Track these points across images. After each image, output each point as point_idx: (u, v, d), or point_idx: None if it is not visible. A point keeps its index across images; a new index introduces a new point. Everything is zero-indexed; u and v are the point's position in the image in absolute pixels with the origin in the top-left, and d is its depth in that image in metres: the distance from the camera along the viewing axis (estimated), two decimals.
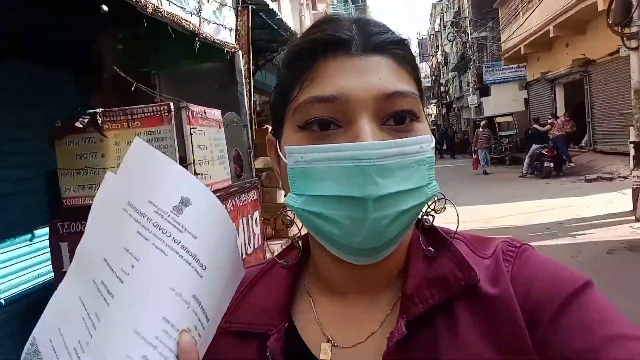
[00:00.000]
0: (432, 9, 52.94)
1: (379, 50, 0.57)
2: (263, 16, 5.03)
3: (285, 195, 0.60)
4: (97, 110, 2.66)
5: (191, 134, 2.75)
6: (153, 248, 0.52)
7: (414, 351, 0.56)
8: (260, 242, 3.90)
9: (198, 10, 3.22)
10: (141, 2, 2.45)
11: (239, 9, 4.05)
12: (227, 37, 3.86)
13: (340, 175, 0.53)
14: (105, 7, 2.71)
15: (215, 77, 4.11)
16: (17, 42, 3.32)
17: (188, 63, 3.92)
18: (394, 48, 0.58)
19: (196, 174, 2.75)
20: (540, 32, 16.74)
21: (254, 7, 4.46)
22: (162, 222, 0.53)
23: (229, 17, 3.90)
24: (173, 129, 2.68)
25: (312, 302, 0.66)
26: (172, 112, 2.68)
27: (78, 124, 2.64)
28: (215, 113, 3.23)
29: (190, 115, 2.78)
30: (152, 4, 2.55)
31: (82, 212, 2.63)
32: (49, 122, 2.93)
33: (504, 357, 0.54)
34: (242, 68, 4.05)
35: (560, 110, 17.60)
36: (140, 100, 4.04)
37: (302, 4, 15.41)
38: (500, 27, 23.20)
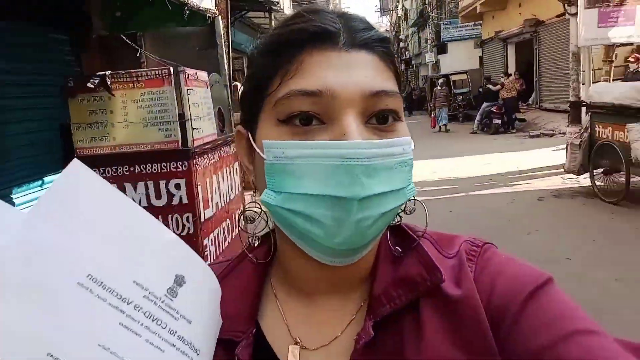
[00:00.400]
0: None
1: (365, 47, 0.56)
2: None
3: (255, 191, 0.58)
4: (107, 72, 3.09)
5: (188, 94, 3.23)
6: (148, 346, 0.44)
7: (380, 352, 0.56)
8: (240, 189, 4.45)
9: None
10: None
11: None
12: (208, 3, 4.25)
13: (325, 173, 0.51)
14: None
15: (196, 39, 4.52)
16: (15, 3, 3.61)
17: (171, 26, 4.30)
18: (379, 46, 0.57)
19: (193, 129, 3.25)
20: None
21: None
22: (155, 311, 0.45)
23: None
24: (173, 89, 3.15)
25: (278, 303, 0.64)
26: (172, 75, 3.14)
27: (89, 85, 3.07)
28: (204, 75, 3.69)
29: (186, 77, 3.25)
30: None
31: (93, 161, 3.12)
32: (55, 81, 3.33)
33: (468, 358, 0.54)
34: (222, 32, 4.46)
35: (512, 68, 18.50)
36: (126, 60, 4.44)
37: None
38: None
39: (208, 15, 4.30)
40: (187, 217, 3.23)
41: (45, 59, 3.85)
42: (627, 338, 0.51)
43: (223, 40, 4.53)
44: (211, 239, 3.51)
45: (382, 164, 0.53)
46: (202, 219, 3.33)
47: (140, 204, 3.19)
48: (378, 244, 0.63)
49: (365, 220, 0.52)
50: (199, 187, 3.28)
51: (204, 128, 3.51)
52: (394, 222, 0.64)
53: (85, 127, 3.17)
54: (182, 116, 3.20)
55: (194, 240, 3.24)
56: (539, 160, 9.49)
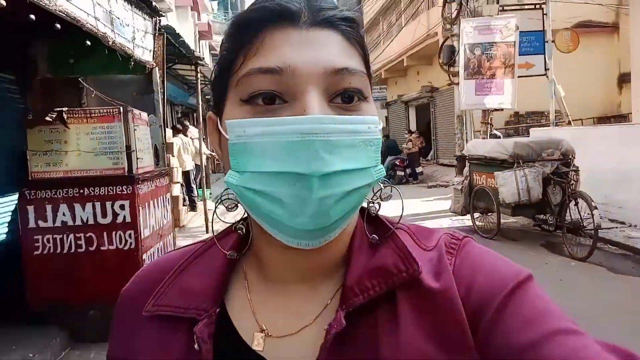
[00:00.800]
0: None
1: (328, 25, 0.55)
2: (169, 37, 6.13)
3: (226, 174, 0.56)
4: (64, 109, 3.63)
5: (134, 129, 3.83)
6: None
7: (352, 344, 0.54)
8: (170, 218, 4.99)
9: (133, 38, 4.27)
10: (106, 37, 3.49)
11: (156, 34, 5.12)
12: (147, 56, 4.90)
13: (285, 150, 0.50)
14: (32, 17, 3.52)
15: (134, 85, 5.13)
16: None
17: (114, 73, 4.89)
18: (343, 24, 0.56)
19: (137, 159, 3.83)
20: (396, 61, 19.48)
21: (165, 31, 5.56)
22: None
23: (149, 41, 4.97)
24: (122, 125, 3.74)
25: (247, 289, 0.63)
26: (122, 113, 3.74)
27: (48, 118, 3.59)
28: (145, 115, 4.31)
29: (134, 116, 3.86)
30: (111, 38, 3.60)
31: (47, 183, 3.58)
32: (2, 116, 3.77)
33: (444, 353, 0.52)
34: (158, 80, 5.12)
35: (413, 128, 20.51)
36: (67, 100, 4.93)
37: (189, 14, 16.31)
38: None
39: (147, 66, 4.95)
40: (130, 234, 3.74)
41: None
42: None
43: (159, 88, 5.18)
44: (149, 255, 4.02)
45: (344, 140, 0.51)
46: (142, 237, 3.86)
47: (87, 221, 3.68)
48: (352, 233, 0.61)
49: (328, 199, 0.51)
50: (140, 208, 3.83)
51: (145, 159, 4.10)
52: (373, 212, 0.63)
53: (41, 154, 3.65)
54: (128, 147, 3.78)
55: (134, 254, 3.75)
56: (433, 206, 10.76)
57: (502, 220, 7.23)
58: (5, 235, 4.08)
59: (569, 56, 11.35)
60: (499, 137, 10.39)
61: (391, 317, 0.55)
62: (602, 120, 14.37)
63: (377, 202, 0.63)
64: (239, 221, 0.66)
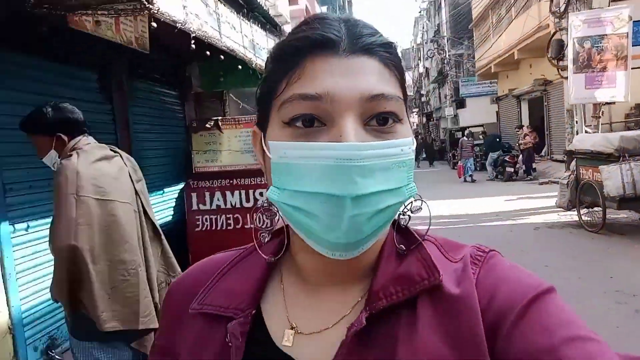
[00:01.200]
0: (414, 22, 55.66)
1: (366, 52, 0.58)
2: None
3: (267, 188, 0.62)
4: (219, 117, 4.68)
5: None
6: None
7: (371, 343, 0.59)
8: None
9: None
10: (251, 61, 4.49)
11: None
12: None
13: (321, 173, 0.54)
14: (193, 46, 4.52)
15: None
16: (151, 71, 5.27)
17: (250, 86, 5.95)
18: (381, 50, 0.60)
19: None
20: (507, 54, 19.11)
21: None
22: None
23: None
24: None
25: (283, 290, 0.68)
26: None
27: (207, 125, 4.66)
28: None
29: None
30: (254, 61, 4.60)
31: (206, 175, 4.66)
32: (171, 123, 4.90)
33: (458, 356, 0.55)
34: None
35: (525, 123, 19.95)
36: (213, 109, 6.08)
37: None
38: (475, 47, 25.65)
39: None
40: (267, 215, 4.69)
41: (167, 108, 5.50)
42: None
43: None
44: None
45: (377, 164, 0.55)
46: (275, 218, 4.80)
47: (235, 205, 4.71)
48: (383, 242, 0.66)
49: (360, 217, 0.55)
50: None
51: None
52: (403, 224, 0.68)
53: (202, 153, 4.74)
54: None
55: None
56: (542, 202, 10.77)
57: (611, 215, 7.26)
58: (173, 216, 5.29)
59: None
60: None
61: (410, 321, 0.59)
62: None
63: (407, 215, 0.67)
64: (279, 228, 0.71)
